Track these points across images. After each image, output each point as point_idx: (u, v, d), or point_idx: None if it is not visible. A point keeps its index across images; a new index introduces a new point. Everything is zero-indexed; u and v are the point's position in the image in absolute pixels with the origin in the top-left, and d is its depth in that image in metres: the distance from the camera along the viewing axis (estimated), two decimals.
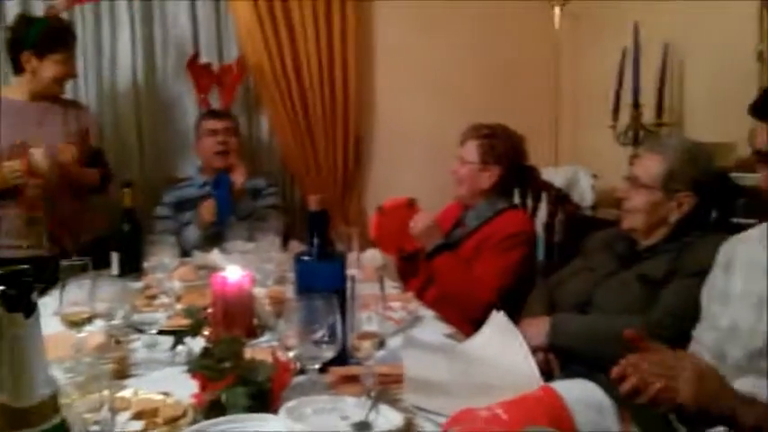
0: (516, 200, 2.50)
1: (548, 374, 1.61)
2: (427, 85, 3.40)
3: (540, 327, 1.79)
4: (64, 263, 1.36)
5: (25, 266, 0.65)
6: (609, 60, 2.92)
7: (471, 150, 2.31)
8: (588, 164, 3.17)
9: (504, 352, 1.34)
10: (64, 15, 2.82)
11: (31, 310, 0.65)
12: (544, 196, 2.48)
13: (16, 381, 0.65)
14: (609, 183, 2.88)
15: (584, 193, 3.04)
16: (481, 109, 2.79)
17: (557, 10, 3.40)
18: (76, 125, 2.60)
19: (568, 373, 1.61)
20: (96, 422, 0.89)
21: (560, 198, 2.44)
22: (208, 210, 2.74)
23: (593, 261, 1.92)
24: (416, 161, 3.38)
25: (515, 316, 1.62)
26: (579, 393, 1.06)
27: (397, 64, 3.38)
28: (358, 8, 3.20)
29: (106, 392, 0.93)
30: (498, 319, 1.52)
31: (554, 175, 2.85)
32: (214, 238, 2.56)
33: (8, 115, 2.42)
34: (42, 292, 1.77)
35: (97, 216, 2.69)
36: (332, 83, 3.17)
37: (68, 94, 2.83)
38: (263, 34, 3.05)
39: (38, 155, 2.37)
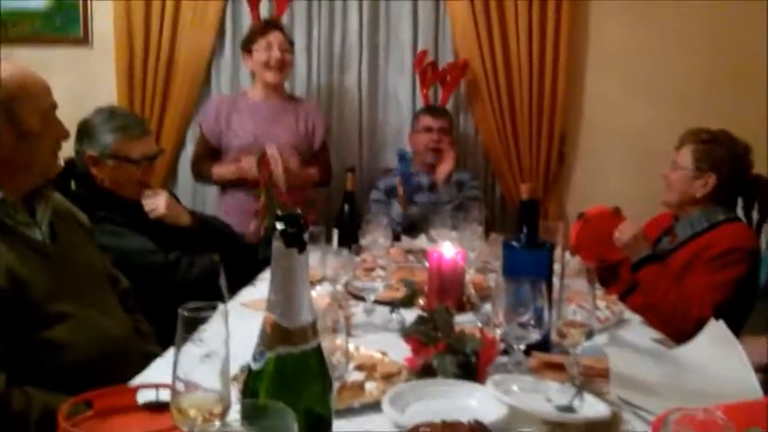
0: (739, 212, 2.31)
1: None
2: (642, 88, 3.24)
3: (762, 345, 1.65)
4: None
5: (300, 211, 0.77)
6: None
7: (686, 155, 2.19)
8: None
9: (723, 362, 1.28)
10: (302, 18, 3.13)
11: (303, 247, 0.76)
12: None
13: (287, 305, 0.77)
14: None
15: None
16: (702, 115, 2.59)
17: None
18: (305, 124, 2.86)
19: None
20: (333, 364, 1.00)
21: None
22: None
23: None
24: (623, 166, 3.25)
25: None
26: None
27: (611, 64, 3.27)
28: (574, 6, 3.15)
29: (340, 341, 1.04)
30: (717, 328, 1.45)
31: None
32: (420, 222, 2.69)
33: (246, 113, 2.75)
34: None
35: (311, 211, 2.93)
36: (540, 81, 3.16)
37: (303, 93, 3.14)
38: (477, 33, 3.12)
39: (271, 150, 2.61)
